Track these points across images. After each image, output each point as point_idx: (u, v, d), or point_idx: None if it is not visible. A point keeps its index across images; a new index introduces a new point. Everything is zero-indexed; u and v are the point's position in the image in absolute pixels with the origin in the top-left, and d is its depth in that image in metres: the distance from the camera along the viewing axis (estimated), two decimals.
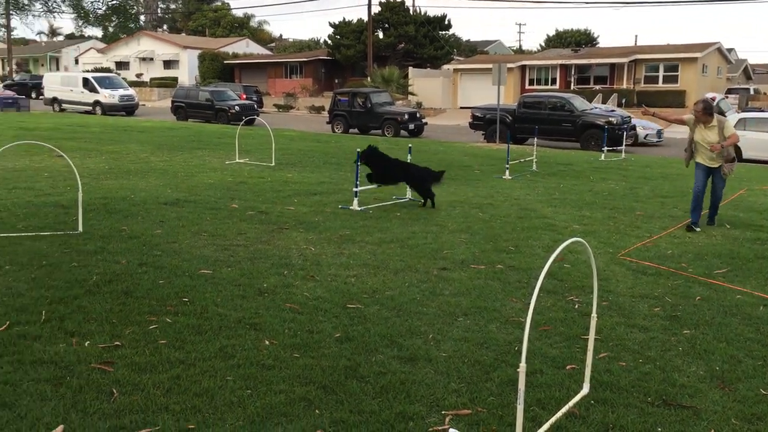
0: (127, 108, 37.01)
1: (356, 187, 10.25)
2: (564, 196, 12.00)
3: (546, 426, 3.71)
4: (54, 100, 38.51)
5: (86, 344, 4.60)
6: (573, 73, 44.17)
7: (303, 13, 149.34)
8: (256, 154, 17.11)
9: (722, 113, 25.49)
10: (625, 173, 15.81)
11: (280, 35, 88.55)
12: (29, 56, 73.66)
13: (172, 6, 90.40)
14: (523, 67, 45.25)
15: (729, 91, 41.53)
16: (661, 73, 41.87)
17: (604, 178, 14.73)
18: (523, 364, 3.29)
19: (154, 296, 5.65)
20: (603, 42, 72.40)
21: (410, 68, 47.24)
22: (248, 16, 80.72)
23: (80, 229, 7.94)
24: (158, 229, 8.27)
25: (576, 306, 5.82)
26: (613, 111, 25.45)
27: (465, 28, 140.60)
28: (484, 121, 25.35)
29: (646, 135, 25.40)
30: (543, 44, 70.43)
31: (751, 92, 43.59)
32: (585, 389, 4.16)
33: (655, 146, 25.11)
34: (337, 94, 29.82)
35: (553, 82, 44.12)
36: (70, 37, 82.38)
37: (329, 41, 53.56)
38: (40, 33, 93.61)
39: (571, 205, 11.11)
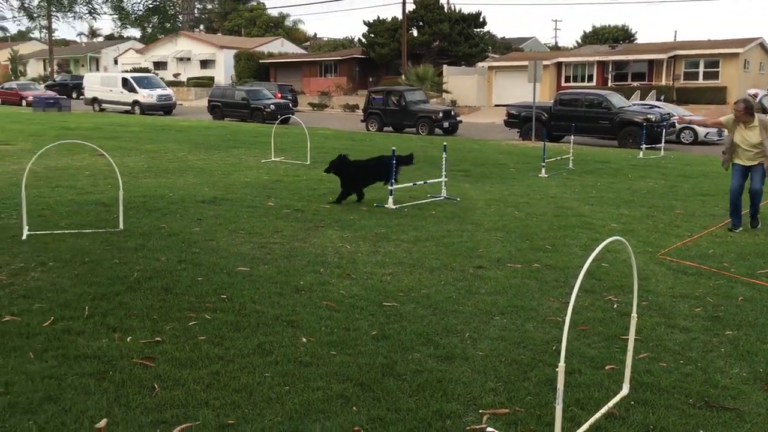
0: (165, 107, 37.59)
1: (391, 185, 10.26)
2: (601, 195, 11.86)
3: (585, 426, 3.67)
4: (94, 100, 39.29)
5: (128, 339, 4.69)
6: (610, 69, 43.55)
7: (337, 12, 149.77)
8: (292, 153, 17.24)
9: (765, 110, 24.90)
10: (664, 171, 15.56)
11: (315, 34, 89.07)
12: (70, 57, 75.20)
13: (209, 6, 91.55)
14: (558, 64, 44.76)
15: None
16: (701, 69, 41.05)
17: (643, 176, 14.51)
18: (562, 364, 3.26)
19: (193, 293, 5.73)
20: (641, 38, 71.49)
21: (445, 66, 47.09)
22: (283, 15, 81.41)
23: (121, 226, 8.09)
24: (196, 226, 8.39)
25: (615, 306, 5.74)
26: (665, 112, 24.74)
27: (500, 25, 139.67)
28: (519, 119, 25.15)
29: (707, 134, 24.87)
30: (579, 41, 69.61)
31: None
32: (625, 390, 4.11)
33: (715, 144, 24.41)
34: (372, 93, 29.87)
35: (590, 79, 43.54)
36: (110, 38, 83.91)
37: (364, 40, 53.65)
38: (80, 34, 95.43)
39: (608, 203, 10.97)
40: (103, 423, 3.56)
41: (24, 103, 41.77)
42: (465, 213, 9.83)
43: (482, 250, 7.59)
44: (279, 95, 39.12)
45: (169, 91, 39.43)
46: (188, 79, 58.48)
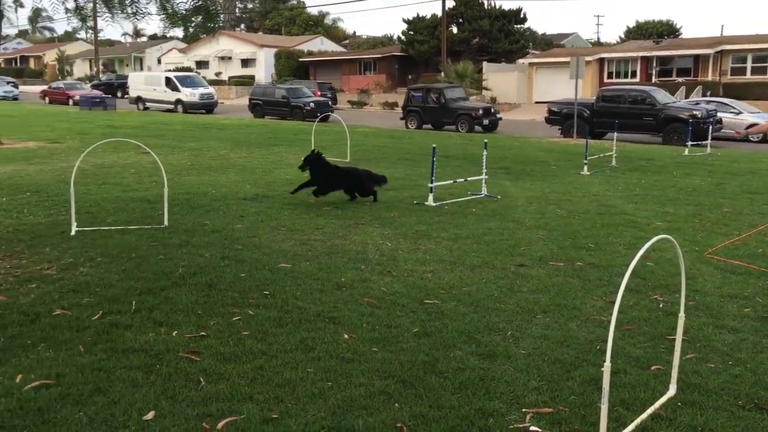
0: (207, 106, 38.11)
1: (432, 183, 10.24)
2: (645, 192, 11.66)
3: (631, 427, 3.62)
4: (138, 99, 40.02)
5: (174, 334, 4.78)
6: (654, 65, 42.73)
7: (377, 9, 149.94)
8: (331, 151, 17.30)
9: None
10: (710, 168, 15.22)
11: (354, 32, 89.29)
12: (115, 57, 76.77)
13: (250, 5, 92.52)
14: (601, 60, 44.09)
15: None
16: (749, 65, 39.98)
17: (689, 174, 14.22)
18: (607, 363, 3.22)
19: (236, 289, 5.81)
20: (686, 33, 69.96)
21: (484, 63, 46.76)
22: (323, 14, 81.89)
23: (166, 223, 8.24)
24: (238, 223, 8.49)
25: (660, 305, 5.64)
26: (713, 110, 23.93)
27: (541, 21, 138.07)
28: (560, 116, 24.86)
29: None
30: (622, 36, 68.45)
31: None
32: (671, 390, 4.04)
33: None
34: (411, 90, 29.83)
35: (633, 75, 42.79)
36: (153, 38, 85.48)
37: (403, 37, 53.63)
38: (124, 34, 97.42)
39: (653, 201, 10.78)
40: (150, 415, 3.64)
41: (71, 102, 42.75)
42: (506, 211, 9.75)
43: (524, 248, 7.53)
44: (318, 93, 39.34)
45: (211, 89, 39.97)
46: (229, 77, 59.22)
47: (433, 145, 10.65)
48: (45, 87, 51.54)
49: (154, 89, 39.32)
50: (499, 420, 3.70)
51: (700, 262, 7.03)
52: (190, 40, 64.15)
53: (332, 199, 10.35)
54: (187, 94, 37.68)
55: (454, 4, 50.28)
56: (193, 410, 3.71)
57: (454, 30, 51.13)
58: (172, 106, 38.00)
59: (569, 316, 5.36)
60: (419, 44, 50.93)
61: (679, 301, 4.05)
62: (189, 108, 37.39)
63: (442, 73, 43.27)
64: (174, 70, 52.66)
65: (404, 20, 54.00)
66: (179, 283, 5.91)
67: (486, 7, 50.97)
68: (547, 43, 60.63)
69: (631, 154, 18.10)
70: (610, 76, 43.76)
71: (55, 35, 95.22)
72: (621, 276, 6.36)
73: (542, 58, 46.50)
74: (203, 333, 4.81)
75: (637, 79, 41.74)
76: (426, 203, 10.09)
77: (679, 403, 3.92)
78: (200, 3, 7.81)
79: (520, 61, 47.84)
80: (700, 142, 20.22)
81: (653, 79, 41.38)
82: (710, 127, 20.86)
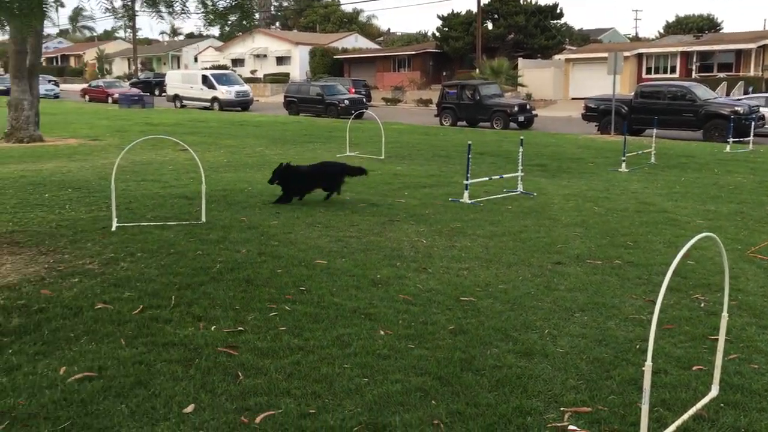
0: (243, 104, 38.46)
1: (467, 179, 10.19)
2: (686, 190, 11.45)
3: (672, 427, 3.56)
4: (175, 97, 40.56)
5: (212, 328, 4.83)
6: (694, 60, 41.92)
7: (411, 6, 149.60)
8: (366, 147, 17.35)
9: None
10: (753, 166, 14.88)
11: (388, 29, 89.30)
12: (152, 55, 77.92)
13: (285, 3, 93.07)
14: (639, 56, 43.40)
15: None
16: None
17: (730, 171, 13.93)
18: (648, 363, 3.17)
19: (273, 284, 5.86)
20: (727, 27, 68.44)
21: (520, 59, 46.39)
22: (357, 11, 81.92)
23: (203, 219, 8.34)
24: (274, 220, 8.56)
25: (702, 305, 5.54)
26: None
27: (577, 16, 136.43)
28: (598, 112, 24.53)
29: None
30: (661, 31, 67.33)
31: None
32: (714, 391, 3.96)
33: None
34: (446, 87, 29.72)
35: (673, 70, 42.03)
36: (190, 37, 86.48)
37: (437, 33, 53.42)
38: (162, 33, 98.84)
39: (693, 198, 10.58)
40: (190, 408, 3.69)
41: (110, 100, 43.49)
42: (542, 208, 9.67)
43: (561, 245, 7.45)
44: (353, 90, 39.42)
45: (246, 87, 40.34)
46: (265, 75, 59.66)
47: (469, 142, 10.61)
48: (85, 85, 52.55)
49: (191, 87, 39.82)
50: (537, 418, 3.67)
51: (742, 261, 6.88)
52: (226, 38, 64.87)
53: (367, 196, 10.37)
54: (223, 92, 38.07)
55: (489, 0, 49.93)
56: (231, 404, 3.75)
57: (489, 26, 50.75)
58: (209, 104, 38.44)
59: (608, 314, 5.29)
60: (454, 41, 50.69)
61: (720, 301, 3.98)
62: (225, 105, 37.78)
63: (477, 70, 43.01)
64: (210, 68, 53.25)
65: (439, 16, 53.93)
66: (217, 279, 5.98)
67: (522, 2, 50.47)
68: (584, 39, 59.86)
69: (671, 151, 17.79)
70: (648, 71, 43.07)
71: (95, 34, 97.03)
72: (660, 274, 6.27)
73: (579, 54, 45.94)
74: (241, 328, 4.85)
75: (677, 75, 40.99)
76: (461, 200, 10.05)
77: (722, 404, 3.85)
78: (237, 1, 7.88)
79: (557, 56, 47.34)
80: (742, 139, 19.79)
81: (693, 75, 40.59)
82: (752, 123, 20.40)
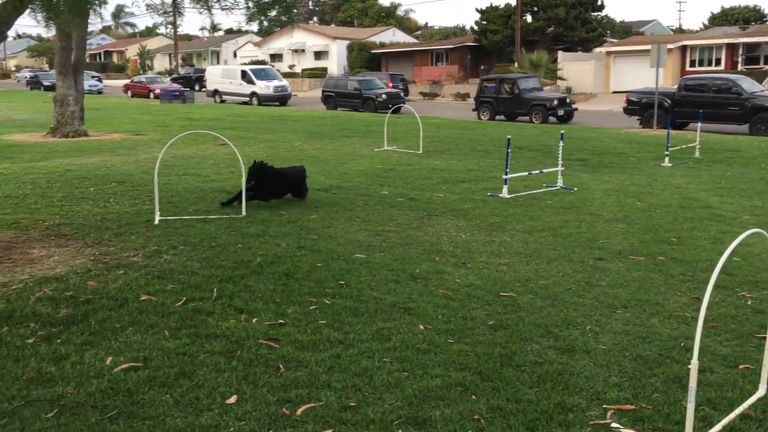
0: (281, 98, 38.75)
1: (506, 174, 10.11)
2: (731, 185, 11.19)
3: (718, 427, 3.49)
4: (215, 92, 41.05)
5: (254, 321, 4.89)
6: (740, 52, 40.89)
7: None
8: (404, 142, 17.34)
9: None
10: None
11: (426, 23, 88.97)
12: (193, 51, 78.95)
13: None
14: (683, 48, 42.51)
15: None
16: None
17: None
18: (695, 361, 3.11)
19: (312, 278, 5.90)
20: None
21: (560, 52, 45.82)
22: (395, 5, 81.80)
23: (243, 213, 8.43)
24: (313, 214, 8.61)
25: (748, 302, 5.41)
26: None
27: (619, 8, 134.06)
28: (640, 106, 24.09)
29: None
30: (706, 22, 65.85)
31: None
32: (761, 391, 3.87)
33: None
34: (484, 81, 29.50)
35: (717, 63, 41.07)
36: (229, 32, 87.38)
37: (476, 27, 53.03)
38: (202, 29, 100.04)
39: (739, 194, 10.34)
40: (233, 399, 3.74)
41: (152, 95, 44.24)
42: (583, 203, 9.55)
43: (602, 241, 7.35)
44: (390, 85, 39.39)
45: (284, 82, 40.61)
46: (302, 70, 59.99)
47: (508, 136, 10.53)
48: (127, 81, 53.53)
49: (230, 82, 40.25)
50: (579, 415, 3.63)
51: None
52: (265, 33, 65.35)
53: (405, 191, 10.37)
54: (262, 87, 38.40)
55: None
56: (273, 396, 3.79)
57: (529, 19, 50.21)
58: (248, 99, 38.81)
59: (651, 311, 5.21)
60: (492, 34, 50.28)
61: None
62: (263, 100, 38.10)
63: (516, 63, 42.66)
64: (249, 63, 53.74)
65: (477, 10, 53.49)
66: (257, 272, 6.04)
67: None
68: (626, 31, 58.86)
69: (716, 145, 17.40)
70: (692, 64, 42.15)
71: (137, 31, 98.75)
72: (706, 271, 6.14)
73: (620, 47, 45.21)
74: (281, 321, 4.90)
75: (722, 67, 40.06)
76: (500, 195, 9.98)
77: None
78: None
79: (597, 49, 46.66)
80: None
81: (739, 67, 39.61)
82: None
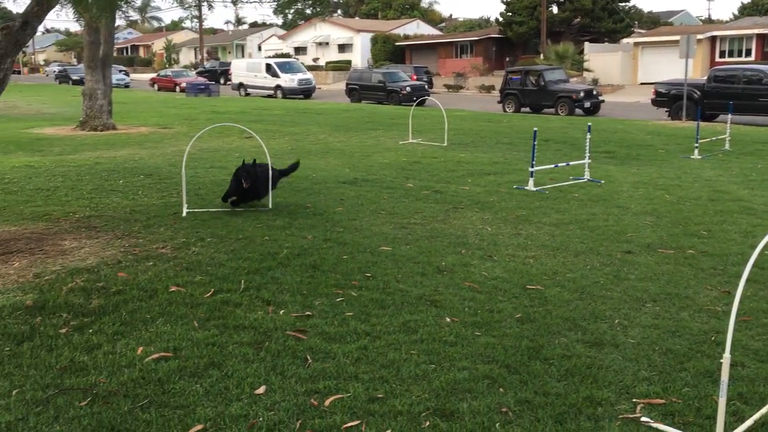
0: (305, 91, 38.83)
1: (532, 167, 10.05)
2: (763, 177, 11.01)
3: (750, 422, 3.45)
4: (240, 85, 41.28)
5: (281, 313, 4.92)
6: None
7: None
8: (428, 134, 17.29)
9: None
10: None
11: (450, 15, 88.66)
12: (218, 45, 79.41)
13: None
14: (713, 38, 41.82)
15: None
16: None
17: None
18: (727, 355, 3.08)
19: (339, 270, 5.92)
20: None
21: (586, 43, 45.32)
22: None
23: (270, 205, 8.48)
24: (339, 206, 8.63)
25: None
26: None
27: None
28: (668, 98, 23.76)
29: None
30: (736, 13, 64.63)
31: None
32: None
33: None
34: (509, 73, 29.29)
35: (748, 53, 40.33)
36: (254, 26, 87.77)
37: (501, 18, 52.68)
38: (227, 22, 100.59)
39: None
40: (262, 390, 3.77)
41: (178, 89, 44.61)
42: (610, 196, 9.46)
43: (630, 234, 7.28)
44: (415, 77, 39.30)
45: (309, 75, 40.69)
46: (327, 63, 60.08)
47: (534, 129, 10.46)
48: (154, 75, 54.06)
49: (255, 75, 40.43)
50: (608, 409, 3.61)
51: None
52: (289, 27, 65.59)
53: (431, 183, 10.35)
54: (287, 80, 38.52)
55: None
56: (301, 386, 3.82)
57: (554, 10, 49.73)
58: (272, 92, 38.95)
59: (681, 305, 5.15)
60: (517, 25, 49.90)
61: None
62: (288, 93, 38.21)
63: (542, 55, 42.29)
64: (274, 57, 53.92)
65: (502, 1, 53.03)
66: (284, 264, 6.08)
67: None
68: (654, 22, 58.01)
69: (746, 137, 17.11)
70: (722, 55, 41.47)
71: (163, 25, 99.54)
72: (736, 265, 6.06)
73: (648, 38, 44.59)
74: (308, 313, 4.93)
75: (752, 58, 39.33)
76: (526, 188, 9.92)
77: None
78: None
79: (625, 40, 46.08)
80: None
81: None
82: None
